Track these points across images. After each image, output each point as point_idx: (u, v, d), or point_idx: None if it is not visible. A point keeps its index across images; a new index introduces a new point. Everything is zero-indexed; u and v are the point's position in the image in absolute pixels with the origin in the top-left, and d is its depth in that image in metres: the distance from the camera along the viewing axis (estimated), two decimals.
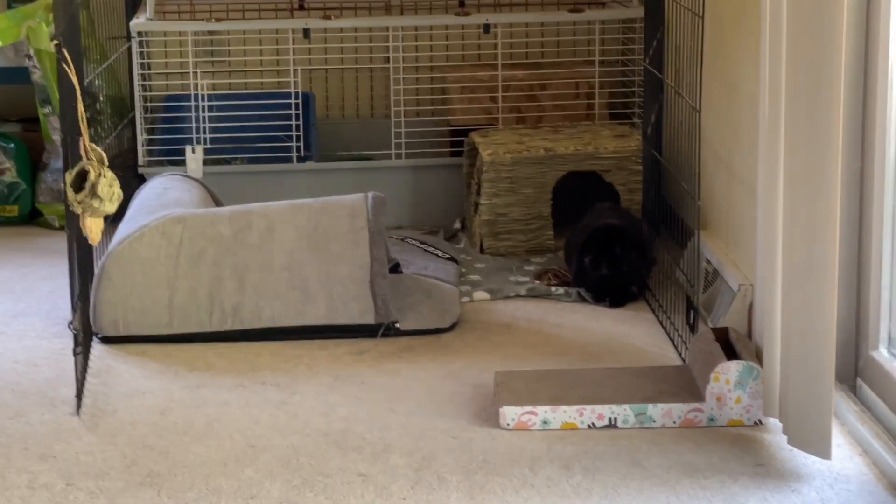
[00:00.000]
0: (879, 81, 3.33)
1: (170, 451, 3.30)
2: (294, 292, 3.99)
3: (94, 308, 3.97)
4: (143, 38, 4.98)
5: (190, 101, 4.96)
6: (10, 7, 5.43)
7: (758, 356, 3.39)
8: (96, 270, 4.00)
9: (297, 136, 4.96)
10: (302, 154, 4.98)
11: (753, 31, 3.62)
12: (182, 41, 5.02)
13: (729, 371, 3.35)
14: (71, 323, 3.62)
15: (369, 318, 4.00)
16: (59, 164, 5.01)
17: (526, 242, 4.70)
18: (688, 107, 3.84)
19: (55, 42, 3.45)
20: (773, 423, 3.33)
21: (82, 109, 3.49)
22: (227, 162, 5.03)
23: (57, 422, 3.46)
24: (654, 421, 3.38)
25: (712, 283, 4.06)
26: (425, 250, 4.60)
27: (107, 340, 3.98)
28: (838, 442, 3.24)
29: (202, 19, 5.00)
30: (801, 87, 3.02)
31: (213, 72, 5.24)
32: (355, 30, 5.26)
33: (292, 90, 4.98)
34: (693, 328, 3.75)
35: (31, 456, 3.28)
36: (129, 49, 5.02)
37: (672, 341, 3.92)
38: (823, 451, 3.09)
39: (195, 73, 4.96)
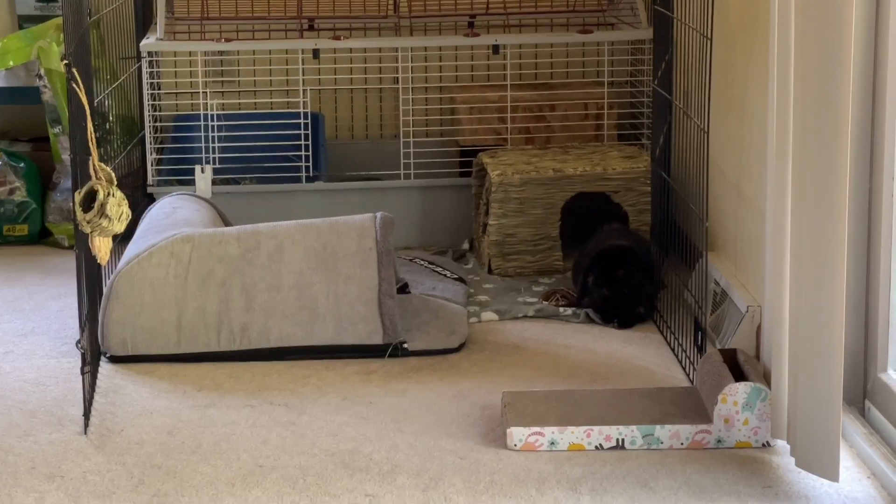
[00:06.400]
0: (888, 104, 3.33)
1: (177, 470, 3.30)
2: (302, 312, 3.99)
3: (103, 327, 3.97)
4: (153, 59, 5.00)
5: (199, 120, 4.97)
6: (20, 27, 5.46)
7: (766, 378, 3.38)
8: (105, 290, 4.01)
9: (307, 157, 4.97)
10: (311, 174, 4.98)
11: (762, 53, 3.63)
12: (192, 61, 5.04)
13: (737, 393, 3.35)
14: (79, 342, 3.62)
15: (377, 339, 4.00)
16: (69, 183, 5.03)
17: (534, 263, 4.70)
18: (696, 128, 3.84)
19: (65, 62, 3.46)
20: (781, 444, 3.32)
21: (92, 129, 3.50)
22: (237, 182, 5.04)
23: (65, 441, 3.46)
24: (662, 442, 3.37)
25: (720, 305, 4.05)
26: (433, 270, 4.60)
27: (115, 360, 3.98)
28: (846, 464, 3.23)
29: (212, 39, 5.01)
30: (809, 108, 3.02)
31: (222, 92, 5.26)
32: (365, 50, 5.27)
33: (301, 110, 4.98)
34: (701, 350, 3.75)
35: (39, 475, 3.28)
36: (139, 69, 5.03)
37: (680, 363, 3.92)
38: (831, 474, 3.08)
39: (205, 93, 4.97)
